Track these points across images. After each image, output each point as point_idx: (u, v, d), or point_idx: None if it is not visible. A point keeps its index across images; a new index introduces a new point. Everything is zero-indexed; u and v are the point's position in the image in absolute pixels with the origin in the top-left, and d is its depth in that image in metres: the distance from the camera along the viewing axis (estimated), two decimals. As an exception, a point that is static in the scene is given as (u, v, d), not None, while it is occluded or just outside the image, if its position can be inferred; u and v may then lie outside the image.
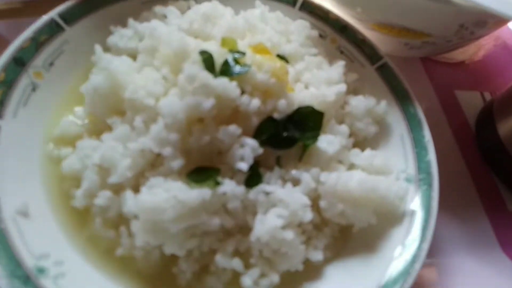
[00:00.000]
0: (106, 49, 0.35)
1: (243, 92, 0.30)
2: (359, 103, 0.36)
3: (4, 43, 0.38)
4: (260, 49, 0.32)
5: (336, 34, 0.41)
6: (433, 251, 0.38)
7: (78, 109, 0.33)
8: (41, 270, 0.25)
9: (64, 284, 0.25)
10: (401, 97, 0.38)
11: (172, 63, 0.32)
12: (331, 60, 0.39)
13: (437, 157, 0.43)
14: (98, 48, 0.33)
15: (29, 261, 0.24)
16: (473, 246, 0.39)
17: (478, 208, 0.42)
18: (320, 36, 0.41)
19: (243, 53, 0.31)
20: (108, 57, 0.32)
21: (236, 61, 0.30)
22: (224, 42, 0.33)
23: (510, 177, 0.44)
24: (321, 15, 0.42)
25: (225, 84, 0.29)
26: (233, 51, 0.32)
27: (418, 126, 0.36)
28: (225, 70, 0.30)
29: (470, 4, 0.32)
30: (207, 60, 0.30)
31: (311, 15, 0.42)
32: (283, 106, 0.30)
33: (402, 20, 0.39)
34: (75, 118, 0.33)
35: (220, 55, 0.31)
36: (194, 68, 0.29)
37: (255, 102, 0.30)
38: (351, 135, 0.36)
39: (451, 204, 0.42)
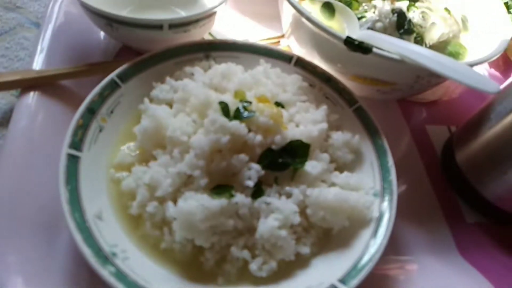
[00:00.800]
0: (150, 99, 0.48)
1: (250, 130, 0.41)
2: (338, 137, 0.47)
3: (75, 96, 0.51)
4: (262, 99, 0.44)
5: (322, 84, 0.53)
6: (401, 251, 0.47)
7: (131, 144, 0.44)
8: (114, 254, 0.35)
9: (129, 264, 0.35)
10: (372, 132, 0.49)
11: (199, 110, 0.43)
12: (319, 104, 0.51)
13: (407, 181, 0.55)
14: (146, 100, 0.45)
15: (106, 248, 0.35)
16: (435, 249, 0.48)
17: (441, 220, 0.52)
18: (310, 85, 0.53)
19: (250, 102, 0.43)
20: (153, 107, 0.44)
21: (245, 108, 0.42)
22: (236, 94, 0.45)
23: (467, 195, 0.54)
24: (311, 69, 0.54)
25: (237, 126, 0.40)
26: (242, 101, 0.43)
27: (384, 154, 0.47)
28: (237, 115, 0.42)
29: (414, 63, 0.44)
30: (224, 108, 0.42)
31: (303, 69, 0.54)
32: (279, 140, 0.42)
33: (371, 73, 0.51)
34: (129, 150, 0.44)
35: (233, 104, 0.43)
36: (215, 115, 0.40)
37: (258, 138, 0.41)
38: (333, 161, 0.47)
39: (418, 217, 0.51)
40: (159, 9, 0.63)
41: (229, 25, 0.67)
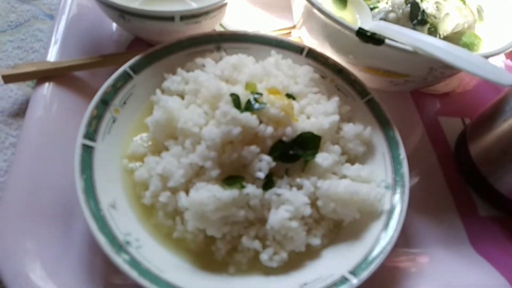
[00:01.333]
0: (162, 91, 0.48)
1: (261, 122, 0.41)
2: (349, 129, 0.47)
3: (89, 87, 0.52)
4: (273, 91, 0.44)
5: (334, 75, 0.53)
6: (413, 244, 0.47)
7: (144, 135, 0.45)
8: (127, 242, 0.36)
9: (142, 252, 0.36)
10: (384, 124, 0.48)
11: (211, 102, 0.44)
12: (330, 95, 0.51)
13: (420, 173, 0.54)
14: (158, 91, 0.46)
15: (120, 236, 0.36)
16: (447, 242, 0.48)
17: (454, 212, 0.51)
18: (322, 77, 0.53)
19: (261, 94, 0.43)
20: (165, 98, 0.45)
21: (256, 100, 0.42)
22: (247, 86, 0.45)
23: (480, 188, 0.53)
24: (322, 61, 0.53)
25: (248, 117, 0.40)
26: (253, 92, 0.43)
27: (396, 146, 0.46)
28: (248, 107, 0.42)
29: (427, 54, 0.44)
30: (235, 100, 0.42)
31: (315, 61, 0.54)
32: (289, 132, 0.42)
33: (384, 65, 0.50)
34: (142, 141, 0.45)
35: (244, 96, 0.43)
36: (227, 107, 0.41)
37: (269, 130, 0.41)
38: (344, 153, 0.47)
39: (431, 209, 0.51)
40: (170, 0, 0.63)
41: (240, 16, 0.67)
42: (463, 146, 0.56)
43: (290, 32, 0.68)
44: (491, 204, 0.52)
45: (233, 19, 0.66)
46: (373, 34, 0.46)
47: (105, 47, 0.58)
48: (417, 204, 0.49)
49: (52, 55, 0.53)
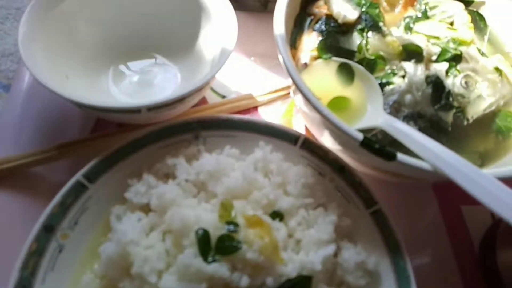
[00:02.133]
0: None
1: (235, 269, 0.34)
2: (350, 256, 0.38)
3: (45, 183, 0.44)
4: (253, 221, 0.36)
5: (334, 174, 0.43)
6: None
7: (95, 267, 0.38)
8: None
9: None
10: (393, 249, 0.39)
11: (175, 235, 0.36)
12: (329, 200, 0.42)
13: (435, 280, 0.45)
14: (113, 219, 0.38)
15: None
16: None
17: None
18: (320, 174, 0.44)
19: (237, 226, 0.35)
20: (121, 229, 0.36)
21: (230, 238, 0.34)
22: (222, 208, 0.37)
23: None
24: (320, 154, 0.44)
25: (216, 269, 0.32)
26: (228, 222, 0.35)
27: (407, 282, 0.37)
28: (220, 247, 0.34)
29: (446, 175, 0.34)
30: (203, 238, 0.34)
31: (311, 154, 0.44)
32: (270, 283, 0.34)
33: (393, 169, 0.41)
34: (93, 275, 0.38)
35: (216, 229, 0.35)
36: (189, 257, 0.33)
37: (245, 281, 0.33)
38: (342, 284, 0.38)
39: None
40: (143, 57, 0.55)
41: (232, 71, 0.57)
42: (490, 249, 0.46)
43: (288, 93, 0.58)
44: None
45: (224, 76, 0.57)
46: (382, 147, 0.36)
47: (67, 127, 0.50)
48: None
49: (4, 148, 0.46)
